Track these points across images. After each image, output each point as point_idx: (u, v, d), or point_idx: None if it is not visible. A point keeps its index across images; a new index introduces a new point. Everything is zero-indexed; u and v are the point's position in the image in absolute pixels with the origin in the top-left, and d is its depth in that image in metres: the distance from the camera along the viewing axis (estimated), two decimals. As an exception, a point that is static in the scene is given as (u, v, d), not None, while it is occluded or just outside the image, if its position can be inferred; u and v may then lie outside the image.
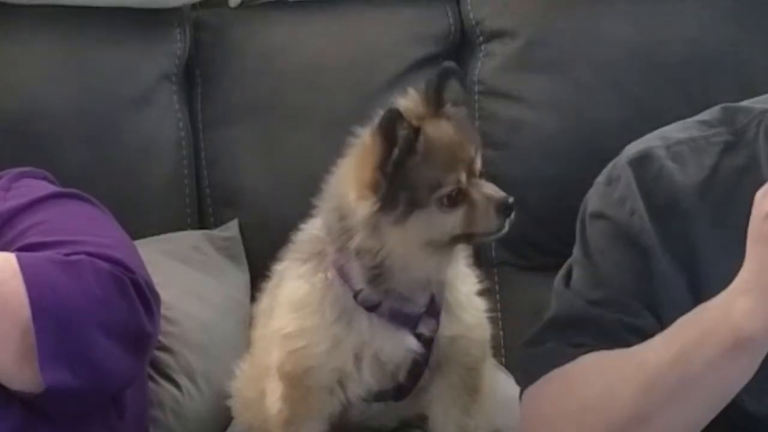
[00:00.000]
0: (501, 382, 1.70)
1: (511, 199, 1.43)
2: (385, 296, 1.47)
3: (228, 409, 1.72)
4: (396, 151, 1.38)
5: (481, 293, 1.57)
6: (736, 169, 1.42)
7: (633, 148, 1.48)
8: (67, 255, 1.44)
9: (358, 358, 1.49)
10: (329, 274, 1.48)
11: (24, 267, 1.41)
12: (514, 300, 2.10)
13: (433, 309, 1.50)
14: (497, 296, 2.13)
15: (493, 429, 1.58)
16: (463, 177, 1.42)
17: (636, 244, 1.42)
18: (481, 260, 2.13)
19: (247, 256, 2.09)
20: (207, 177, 2.15)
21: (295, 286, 1.52)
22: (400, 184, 1.40)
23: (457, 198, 1.41)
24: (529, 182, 2.11)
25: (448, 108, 1.46)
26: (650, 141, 1.47)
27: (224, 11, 2.21)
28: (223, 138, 2.16)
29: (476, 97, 2.16)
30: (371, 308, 1.47)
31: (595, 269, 1.45)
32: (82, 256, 1.44)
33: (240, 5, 2.19)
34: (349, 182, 1.43)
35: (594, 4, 2.14)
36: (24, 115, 2.07)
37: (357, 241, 1.44)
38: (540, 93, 2.12)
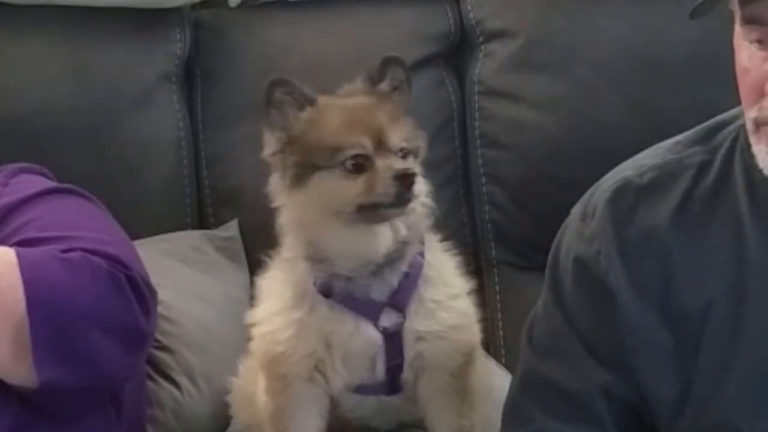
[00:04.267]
0: (497, 381, 1.70)
1: (411, 170, 1.43)
2: (333, 278, 1.48)
3: (228, 409, 1.72)
4: (272, 111, 1.46)
5: (471, 294, 1.57)
6: (710, 191, 1.40)
7: (610, 179, 1.47)
8: (63, 251, 1.44)
9: (328, 346, 1.49)
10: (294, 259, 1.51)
11: (22, 261, 1.41)
12: (514, 300, 2.10)
13: (397, 302, 1.50)
14: (497, 296, 2.13)
15: (489, 428, 1.58)
16: (368, 144, 1.44)
17: (602, 284, 1.41)
18: (481, 260, 2.15)
19: (247, 256, 2.09)
20: (207, 177, 2.16)
21: (270, 274, 1.56)
22: (290, 146, 1.46)
23: (361, 164, 1.43)
24: (529, 182, 2.11)
25: (382, 87, 1.51)
26: (626, 170, 1.46)
27: (224, 11, 2.21)
28: (223, 138, 2.16)
29: (476, 97, 2.17)
30: (327, 293, 1.48)
31: (563, 310, 1.46)
32: (78, 253, 1.44)
33: (240, 5, 2.19)
34: None
35: (594, 4, 2.14)
36: (24, 115, 2.07)
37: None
38: (540, 93, 2.12)
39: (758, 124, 1.30)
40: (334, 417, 1.57)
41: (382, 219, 1.46)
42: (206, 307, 1.92)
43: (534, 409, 1.46)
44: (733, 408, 1.35)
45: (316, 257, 1.49)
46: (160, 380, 1.79)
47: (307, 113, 1.47)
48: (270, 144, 1.49)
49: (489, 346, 2.04)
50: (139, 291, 1.46)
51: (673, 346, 1.38)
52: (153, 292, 1.51)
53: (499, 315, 2.11)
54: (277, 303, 1.53)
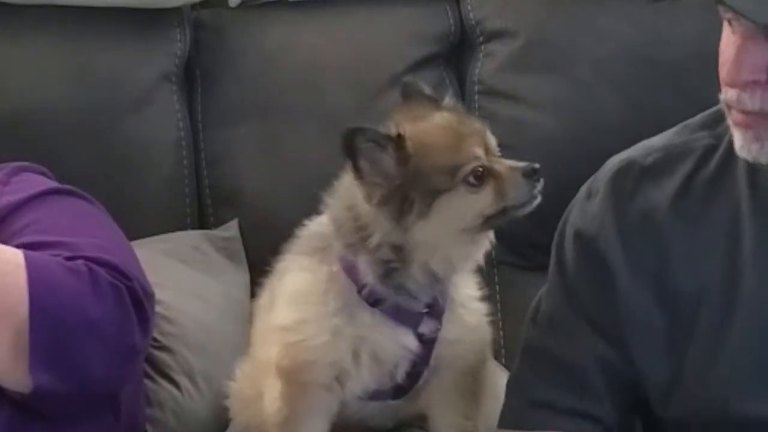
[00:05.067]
0: (501, 384, 1.70)
1: (537, 165, 1.42)
2: (394, 292, 1.46)
3: (227, 411, 1.72)
4: (363, 163, 1.39)
5: (483, 298, 1.57)
6: (712, 175, 1.41)
7: (615, 159, 1.48)
8: (67, 259, 1.44)
9: (356, 354, 1.48)
10: (334, 268, 1.48)
11: (29, 264, 1.41)
12: (514, 300, 2.10)
13: (436, 310, 1.50)
14: (497, 296, 2.13)
15: (492, 428, 1.58)
16: (481, 153, 1.42)
17: (602, 261, 1.43)
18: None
19: (247, 256, 2.09)
20: (207, 177, 2.16)
21: (298, 278, 1.52)
22: (407, 186, 1.40)
23: (483, 174, 1.41)
24: (529, 182, 2.11)
25: (446, 101, 1.49)
26: (632, 152, 1.48)
27: (224, 11, 2.21)
28: (223, 138, 2.16)
29: (476, 97, 2.17)
30: (375, 303, 1.47)
31: (565, 284, 1.47)
32: (81, 262, 1.44)
33: (240, 5, 2.19)
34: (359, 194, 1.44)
35: (594, 4, 2.14)
36: (24, 115, 2.07)
37: (377, 239, 1.43)
38: (540, 93, 2.12)
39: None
40: (336, 418, 1.57)
41: (503, 222, 1.45)
42: (206, 307, 1.92)
43: (534, 380, 1.47)
44: (724, 389, 1.36)
45: (392, 274, 1.45)
46: (160, 380, 1.79)
47: (410, 148, 1.41)
48: (371, 193, 1.41)
49: (489, 346, 2.04)
50: (138, 303, 1.46)
51: (666, 328, 1.40)
52: (150, 298, 1.51)
53: (499, 315, 2.11)
54: (313, 310, 1.49)
